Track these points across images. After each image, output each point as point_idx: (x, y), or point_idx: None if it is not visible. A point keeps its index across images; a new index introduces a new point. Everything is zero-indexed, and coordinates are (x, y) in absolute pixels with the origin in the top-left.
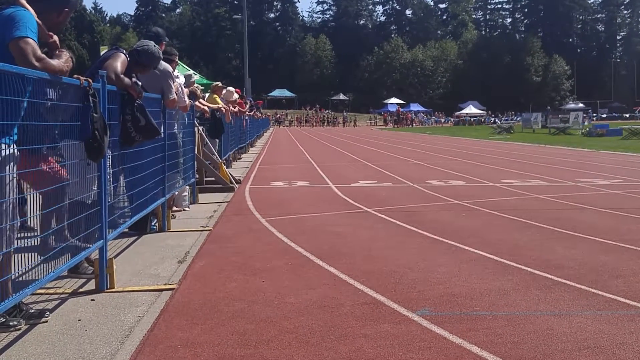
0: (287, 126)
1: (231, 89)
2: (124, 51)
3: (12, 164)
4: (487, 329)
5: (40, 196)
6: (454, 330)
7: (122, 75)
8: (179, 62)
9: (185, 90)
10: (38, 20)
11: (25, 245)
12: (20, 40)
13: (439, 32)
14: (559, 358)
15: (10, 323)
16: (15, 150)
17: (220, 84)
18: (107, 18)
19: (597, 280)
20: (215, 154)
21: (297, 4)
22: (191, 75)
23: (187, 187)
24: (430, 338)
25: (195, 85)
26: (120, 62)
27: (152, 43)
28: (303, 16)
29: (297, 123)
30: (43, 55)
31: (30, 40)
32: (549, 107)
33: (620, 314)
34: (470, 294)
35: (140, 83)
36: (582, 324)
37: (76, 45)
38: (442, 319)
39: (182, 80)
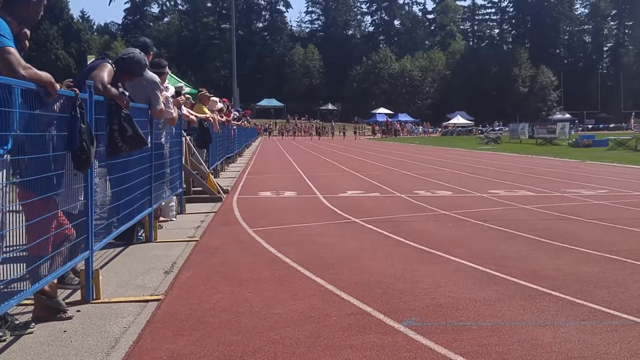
0: (275, 136)
1: (215, 98)
2: (110, 61)
3: (2, 173)
4: (473, 339)
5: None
6: (439, 340)
7: (109, 86)
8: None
9: (171, 100)
10: (8, 18)
11: (11, 256)
12: (2, 51)
13: (427, 42)
14: None
15: None
16: (8, 158)
17: (207, 93)
18: (95, 27)
19: (582, 290)
20: (203, 163)
21: (286, 14)
22: (182, 87)
23: (174, 197)
24: (416, 349)
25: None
26: (106, 72)
27: (137, 50)
28: (292, 26)
29: (286, 132)
30: (28, 65)
31: (11, 49)
32: (549, 116)
33: (604, 324)
34: (456, 305)
35: (127, 93)
36: (567, 334)
37: (63, 54)
38: (428, 329)
39: (171, 91)
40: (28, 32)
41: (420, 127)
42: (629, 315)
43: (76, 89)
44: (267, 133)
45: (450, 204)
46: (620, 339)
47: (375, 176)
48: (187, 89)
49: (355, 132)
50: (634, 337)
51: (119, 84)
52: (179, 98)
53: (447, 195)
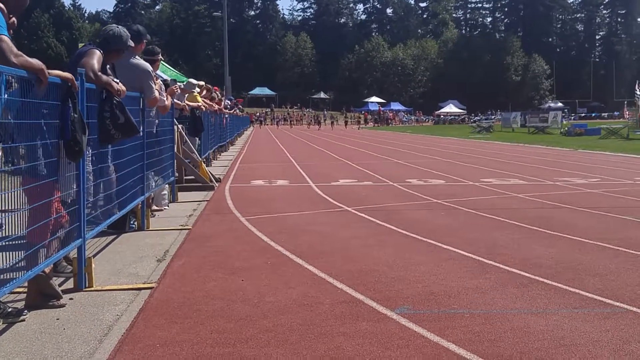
0: (267, 124)
1: (193, 80)
2: (98, 48)
3: None
4: (465, 327)
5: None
6: (431, 328)
7: (99, 73)
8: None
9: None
10: (1, 6)
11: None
12: None
13: (419, 30)
14: (536, 356)
15: None
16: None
17: (204, 84)
18: (86, 15)
19: (574, 278)
20: (195, 152)
21: (278, 2)
22: (193, 83)
23: (167, 185)
24: (409, 336)
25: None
26: (96, 59)
27: (114, 25)
28: (283, 14)
29: (283, 122)
30: (20, 52)
31: (5, 38)
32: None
33: (597, 312)
34: (448, 293)
35: (118, 81)
36: (559, 322)
37: (54, 43)
38: (421, 317)
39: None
40: (15, 21)
41: (414, 116)
42: (621, 303)
43: (69, 77)
44: (259, 122)
45: (442, 192)
46: (612, 327)
47: (367, 165)
48: (201, 83)
49: (358, 122)
50: (625, 325)
51: (108, 66)
52: (172, 87)
53: (440, 183)
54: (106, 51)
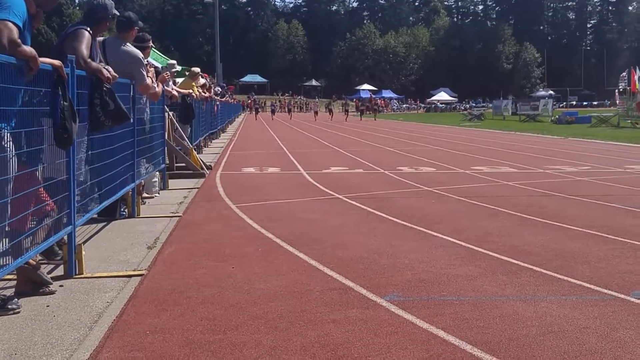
0: (259, 113)
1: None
2: (86, 27)
3: (10, 148)
4: (454, 314)
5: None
6: (421, 315)
7: (89, 60)
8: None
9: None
10: None
11: None
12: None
13: (411, 18)
14: (524, 342)
15: None
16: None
17: (198, 70)
18: (77, 1)
19: (563, 266)
20: (186, 139)
21: None
22: (174, 64)
23: (157, 172)
24: (398, 323)
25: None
26: (85, 43)
27: None
28: (275, 1)
29: (283, 108)
30: (19, 41)
31: (9, 24)
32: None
33: (585, 299)
34: (438, 280)
35: (109, 68)
36: (547, 309)
37: (45, 29)
38: (410, 304)
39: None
40: (42, 15)
41: (405, 104)
42: (609, 290)
43: (57, 64)
44: (254, 110)
45: (433, 180)
46: (600, 314)
47: (358, 152)
48: (178, 68)
49: (361, 113)
50: (613, 312)
51: (99, 52)
52: (164, 74)
53: (430, 171)
54: (93, 23)
